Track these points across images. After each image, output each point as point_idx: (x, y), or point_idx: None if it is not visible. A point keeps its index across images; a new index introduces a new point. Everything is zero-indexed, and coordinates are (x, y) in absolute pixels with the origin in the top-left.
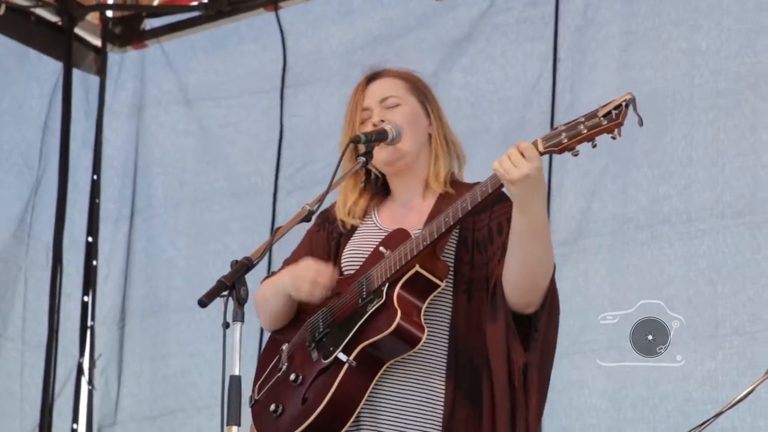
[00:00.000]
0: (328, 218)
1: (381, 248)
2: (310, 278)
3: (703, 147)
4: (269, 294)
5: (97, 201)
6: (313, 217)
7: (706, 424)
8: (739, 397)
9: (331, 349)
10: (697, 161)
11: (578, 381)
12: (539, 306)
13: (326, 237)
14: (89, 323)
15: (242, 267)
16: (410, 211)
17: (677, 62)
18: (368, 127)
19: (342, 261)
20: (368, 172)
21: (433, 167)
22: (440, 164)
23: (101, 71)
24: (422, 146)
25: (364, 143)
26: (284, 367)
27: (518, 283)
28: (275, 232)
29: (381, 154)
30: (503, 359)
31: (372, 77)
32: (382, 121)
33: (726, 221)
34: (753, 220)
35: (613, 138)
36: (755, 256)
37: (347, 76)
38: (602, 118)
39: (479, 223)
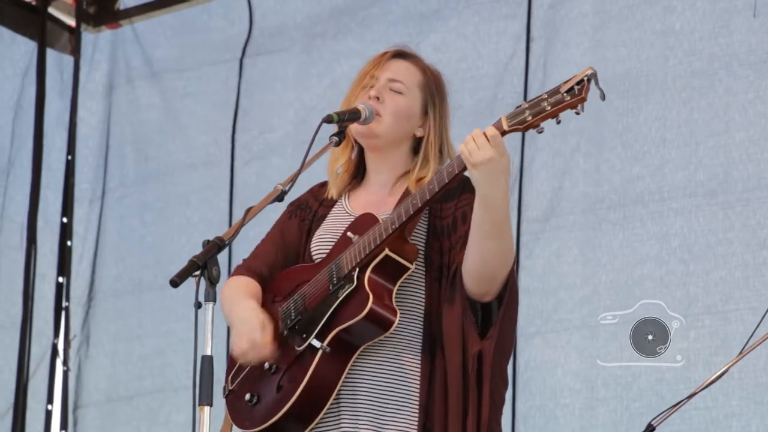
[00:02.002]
0: (299, 205)
1: (349, 233)
2: (251, 344)
3: (676, 127)
4: (230, 305)
5: (71, 181)
6: (285, 197)
7: (680, 405)
8: (712, 378)
9: (305, 336)
10: (670, 141)
11: (551, 360)
12: (496, 296)
13: (297, 224)
14: (64, 304)
15: (214, 247)
16: (380, 198)
17: (651, 42)
18: (365, 96)
19: (312, 246)
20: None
21: (419, 170)
22: (428, 169)
23: (75, 51)
24: (402, 140)
25: (337, 122)
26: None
27: (476, 273)
28: (246, 213)
29: (355, 127)
30: (458, 345)
31: (398, 54)
32: (377, 98)
33: (698, 201)
34: (726, 200)
35: (577, 113)
36: (728, 236)
37: (308, 45)
38: (565, 94)
39: (446, 211)
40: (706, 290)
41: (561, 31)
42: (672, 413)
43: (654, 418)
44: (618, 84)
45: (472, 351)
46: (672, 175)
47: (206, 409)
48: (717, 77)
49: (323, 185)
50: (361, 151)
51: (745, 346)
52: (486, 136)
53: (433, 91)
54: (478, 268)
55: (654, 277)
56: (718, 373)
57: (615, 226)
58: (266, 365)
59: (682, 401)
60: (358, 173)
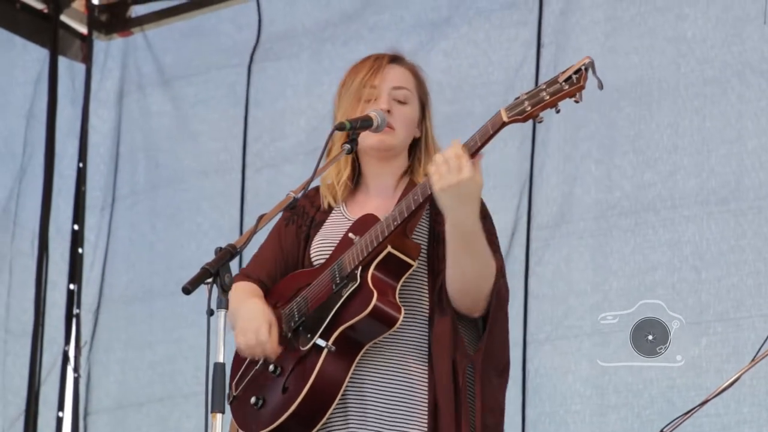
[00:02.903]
0: (296, 211)
1: (350, 234)
2: (258, 341)
3: (688, 134)
4: (235, 305)
5: (83, 189)
6: (297, 205)
7: (692, 412)
8: (725, 385)
9: (309, 336)
10: (682, 148)
11: (561, 367)
12: (484, 310)
13: (295, 231)
14: (75, 311)
15: (226, 254)
16: (382, 202)
17: (663, 50)
18: (372, 108)
19: (311, 252)
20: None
21: (425, 166)
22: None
23: (87, 59)
24: (407, 146)
25: (349, 130)
26: (261, 360)
27: (457, 290)
28: (259, 220)
29: (369, 139)
30: (447, 358)
31: (393, 60)
32: (388, 111)
33: (710, 208)
34: (738, 207)
35: (576, 102)
36: (739, 243)
37: (317, 51)
38: (563, 83)
39: (441, 217)
40: (718, 297)
41: (573, 38)
42: (684, 421)
43: (666, 426)
44: (630, 91)
45: (463, 365)
46: (684, 182)
47: (218, 416)
48: (729, 85)
49: (318, 190)
50: (354, 158)
51: (757, 353)
52: (458, 158)
53: (423, 89)
54: (457, 285)
55: (665, 284)
56: (730, 381)
57: (626, 233)
58: (271, 368)
59: (694, 408)
60: (355, 180)
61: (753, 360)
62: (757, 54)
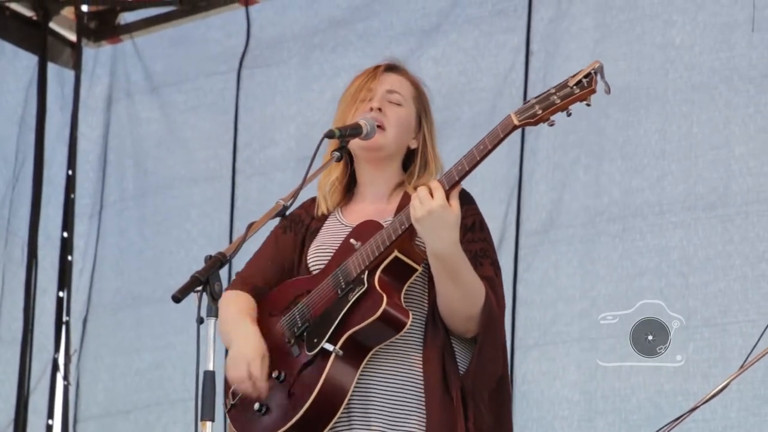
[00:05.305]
0: (293, 220)
1: (351, 240)
2: (250, 375)
3: (676, 140)
4: (229, 326)
5: (72, 196)
6: (287, 213)
7: (680, 419)
8: (714, 392)
9: (316, 340)
10: (670, 154)
11: (549, 372)
12: (476, 332)
13: (293, 239)
14: (64, 319)
15: (216, 262)
16: (377, 209)
17: (651, 56)
18: (366, 108)
19: (309, 258)
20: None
21: (418, 178)
22: (428, 176)
23: (76, 66)
24: (400, 151)
25: (339, 138)
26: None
27: (446, 316)
28: (249, 228)
29: (358, 141)
30: (438, 378)
31: (390, 68)
32: (380, 109)
33: (698, 214)
34: (725, 213)
35: (588, 105)
36: (726, 249)
37: (306, 57)
38: (574, 87)
39: None
40: (705, 303)
41: (562, 45)
42: (672, 428)
43: None
44: (618, 97)
45: (455, 386)
46: (672, 188)
47: (208, 424)
48: (717, 91)
49: (314, 200)
50: (348, 164)
51: (746, 360)
52: (430, 190)
53: (424, 102)
54: (446, 312)
55: (653, 290)
56: (719, 387)
57: (614, 239)
58: (274, 374)
59: (683, 415)
60: (350, 187)
61: (742, 366)
62: (744, 60)
